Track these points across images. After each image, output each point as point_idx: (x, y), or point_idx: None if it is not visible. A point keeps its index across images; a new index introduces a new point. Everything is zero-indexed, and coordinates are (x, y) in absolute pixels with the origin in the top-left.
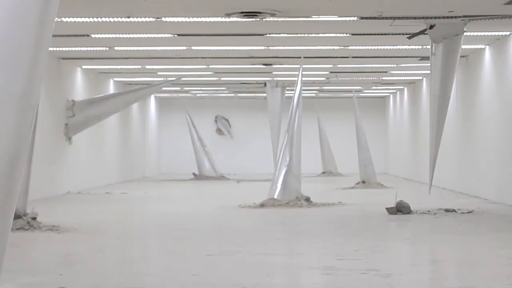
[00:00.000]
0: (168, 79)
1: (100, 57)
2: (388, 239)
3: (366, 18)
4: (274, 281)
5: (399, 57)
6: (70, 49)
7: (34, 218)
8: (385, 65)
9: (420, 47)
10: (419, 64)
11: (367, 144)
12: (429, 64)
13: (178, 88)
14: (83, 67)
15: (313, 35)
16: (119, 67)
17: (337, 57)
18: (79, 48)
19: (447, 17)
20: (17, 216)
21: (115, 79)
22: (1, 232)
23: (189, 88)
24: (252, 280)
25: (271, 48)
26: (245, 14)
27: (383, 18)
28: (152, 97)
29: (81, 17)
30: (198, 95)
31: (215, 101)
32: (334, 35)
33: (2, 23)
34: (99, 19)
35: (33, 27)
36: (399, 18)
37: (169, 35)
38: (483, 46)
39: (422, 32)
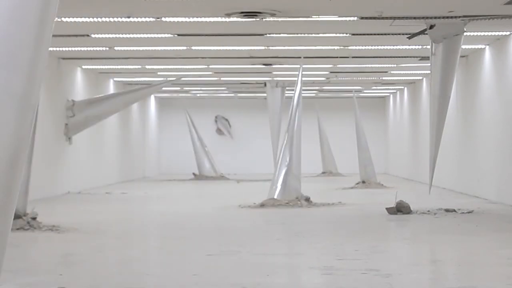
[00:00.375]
0: (168, 79)
1: (100, 57)
2: (388, 239)
3: (366, 18)
4: (274, 281)
5: (399, 57)
6: (70, 49)
7: (34, 218)
8: (385, 65)
9: (420, 47)
10: (419, 64)
11: (367, 144)
12: (429, 64)
13: (178, 88)
14: (83, 67)
15: (313, 35)
16: (119, 67)
17: (337, 57)
18: (79, 48)
19: (447, 17)
20: (17, 216)
21: (115, 79)
22: (1, 232)
23: (189, 88)
24: (252, 280)
25: (271, 48)
26: (245, 14)
27: (383, 18)
28: (152, 97)
29: (81, 17)
30: (198, 95)
31: (215, 101)
32: (334, 35)
33: (2, 23)
34: (99, 19)
35: (33, 27)
36: (399, 18)
37: (169, 35)
38: (483, 46)
39: (422, 32)
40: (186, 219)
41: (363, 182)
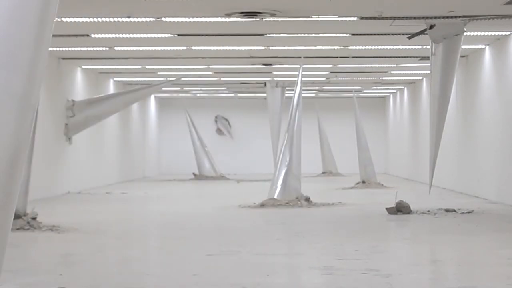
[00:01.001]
0: (168, 79)
1: (100, 57)
2: (388, 239)
3: (366, 18)
4: (274, 281)
5: (399, 57)
6: (70, 49)
7: (34, 218)
8: (385, 65)
9: (420, 47)
10: (419, 64)
11: (367, 144)
12: (429, 64)
13: (178, 88)
14: (83, 67)
15: (313, 35)
16: (119, 67)
17: (337, 57)
18: (79, 48)
19: (447, 17)
20: (17, 216)
21: (115, 79)
22: (1, 232)
23: (189, 88)
24: (252, 280)
25: (271, 48)
26: (245, 14)
27: (383, 18)
28: (152, 97)
29: (81, 17)
30: (198, 95)
31: (215, 101)
32: (334, 35)
33: (2, 23)
34: (99, 19)
35: (33, 27)
36: (399, 18)
37: (169, 35)
38: (483, 46)
39: (422, 32)
40: (186, 219)
41: (363, 182)
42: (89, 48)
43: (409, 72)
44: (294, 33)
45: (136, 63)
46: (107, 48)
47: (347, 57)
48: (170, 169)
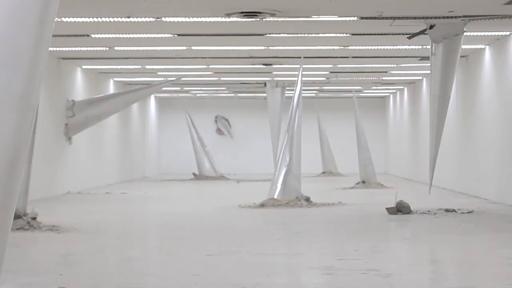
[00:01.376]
0: (168, 79)
1: (100, 57)
2: (388, 239)
3: (366, 18)
4: (274, 281)
5: (399, 57)
6: (70, 49)
7: (34, 218)
8: (385, 65)
9: (420, 47)
10: (419, 64)
11: (367, 144)
12: (429, 64)
13: (178, 88)
14: (83, 67)
15: (313, 35)
16: (119, 67)
17: (337, 57)
18: (79, 48)
19: (447, 17)
20: (17, 216)
21: (115, 79)
22: (1, 232)
23: (189, 88)
24: (252, 280)
25: (271, 48)
26: (245, 14)
27: (383, 18)
28: (152, 97)
29: (81, 17)
30: (198, 95)
31: (215, 101)
32: (334, 35)
33: (2, 23)
34: (99, 19)
35: (33, 27)
36: (399, 18)
37: (169, 35)
38: (483, 46)
39: (422, 32)
40: (186, 219)
41: (363, 182)
42: (89, 48)
43: (409, 72)
44: (294, 33)
45: (136, 63)
46: (107, 48)
47: (347, 57)
48: (170, 169)
